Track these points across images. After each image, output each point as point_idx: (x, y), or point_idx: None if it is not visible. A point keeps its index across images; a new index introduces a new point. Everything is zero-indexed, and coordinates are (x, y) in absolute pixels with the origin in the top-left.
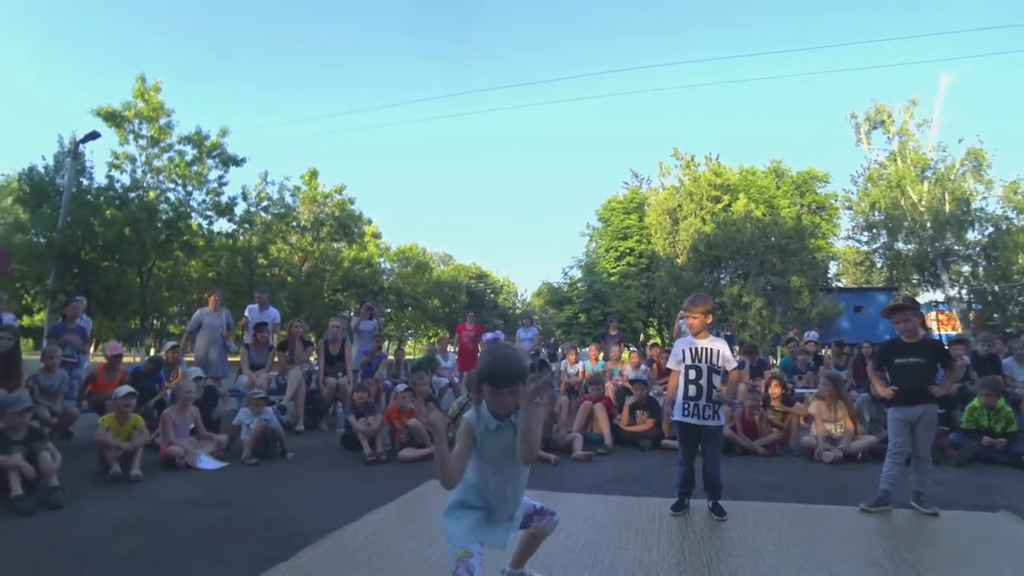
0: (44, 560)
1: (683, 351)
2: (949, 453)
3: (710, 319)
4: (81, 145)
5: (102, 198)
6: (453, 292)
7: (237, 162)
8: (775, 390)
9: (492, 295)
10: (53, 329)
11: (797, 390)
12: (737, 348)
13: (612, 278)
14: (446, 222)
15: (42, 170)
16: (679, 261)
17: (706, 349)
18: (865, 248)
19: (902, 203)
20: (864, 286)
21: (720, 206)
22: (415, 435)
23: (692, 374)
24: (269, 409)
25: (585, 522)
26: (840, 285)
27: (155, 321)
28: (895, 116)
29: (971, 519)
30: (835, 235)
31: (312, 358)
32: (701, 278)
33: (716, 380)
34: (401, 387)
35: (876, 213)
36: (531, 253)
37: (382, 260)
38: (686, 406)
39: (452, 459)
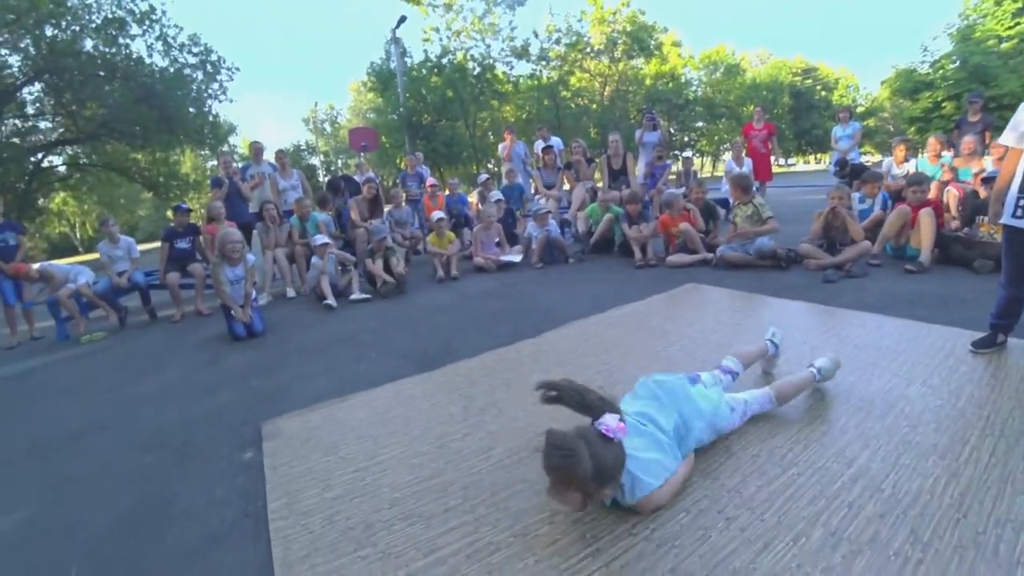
0: (389, 324)
1: None
2: None
3: None
4: (396, 31)
5: (423, 70)
6: (773, 94)
7: (521, 2)
8: None
9: (823, 92)
10: (400, 176)
11: None
12: None
13: (1004, 45)
14: (760, 17)
15: (379, 61)
16: None
17: None
18: None
19: None
20: None
21: None
22: (687, 240)
23: None
24: (552, 221)
25: (843, 341)
26: None
27: (488, 164)
28: None
29: None
30: None
31: (597, 175)
32: None
33: None
34: (673, 192)
35: None
36: (875, 36)
37: (687, 70)
38: (1021, 202)
39: None
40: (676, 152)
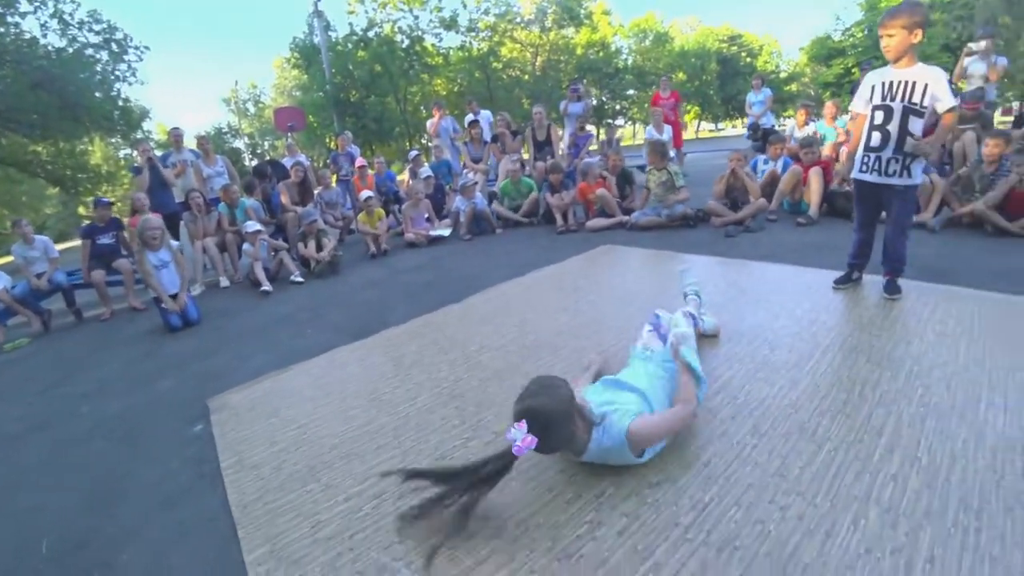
0: (323, 302)
1: (871, 87)
2: None
3: (918, 37)
4: (319, 4)
5: (349, 44)
6: (701, 62)
7: None
8: None
9: (748, 59)
10: (332, 156)
11: None
12: None
13: None
14: None
15: (301, 36)
16: None
17: (905, 83)
18: None
19: None
20: None
21: None
22: (604, 205)
23: (879, 117)
24: (479, 194)
25: (730, 286)
26: None
27: (422, 140)
28: None
29: None
30: None
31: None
32: None
33: (915, 125)
34: (588, 162)
35: None
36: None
37: (617, 38)
38: (866, 159)
39: None
40: (609, 120)
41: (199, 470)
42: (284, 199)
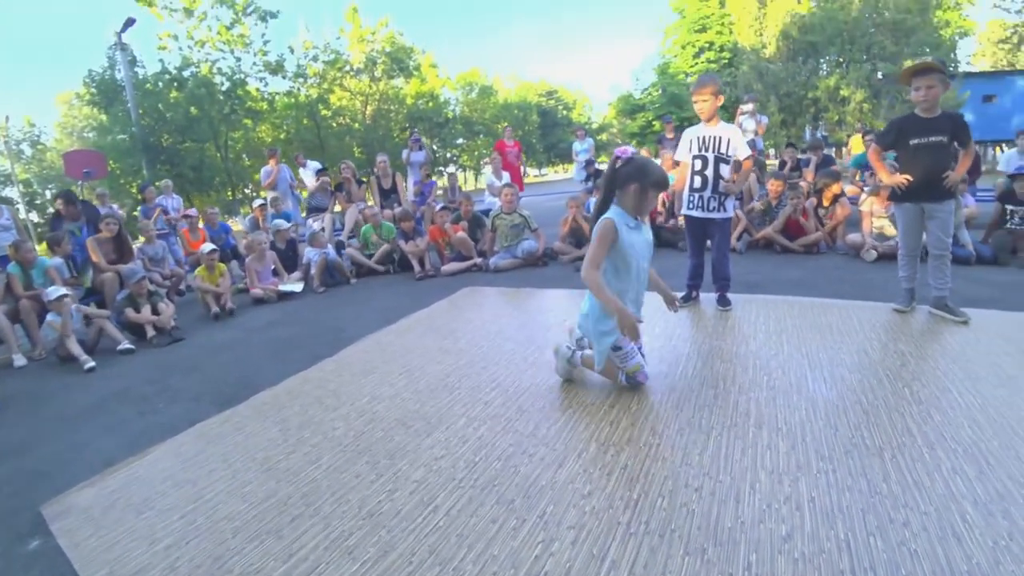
0: (169, 370)
1: (690, 140)
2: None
3: (720, 100)
4: (122, 35)
5: (160, 83)
6: (523, 113)
7: (273, 15)
8: (834, 189)
9: (565, 112)
10: (142, 210)
11: (867, 189)
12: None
13: (690, 79)
14: (509, 44)
15: (99, 70)
16: (766, 52)
17: (714, 137)
18: (1015, 19)
19: None
20: (1002, 69)
21: None
22: (461, 248)
23: (698, 164)
24: (329, 245)
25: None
26: (972, 70)
27: (245, 190)
28: None
29: (1004, 320)
30: (972, 3)
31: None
32: (792, 70)
33: (724, 171)
34: (438, 206)
35: None
36: (605, 62)
37: (444, 90)
38: (691, 198)
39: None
40: (440, 168)
41: None
42: (95, 257)
